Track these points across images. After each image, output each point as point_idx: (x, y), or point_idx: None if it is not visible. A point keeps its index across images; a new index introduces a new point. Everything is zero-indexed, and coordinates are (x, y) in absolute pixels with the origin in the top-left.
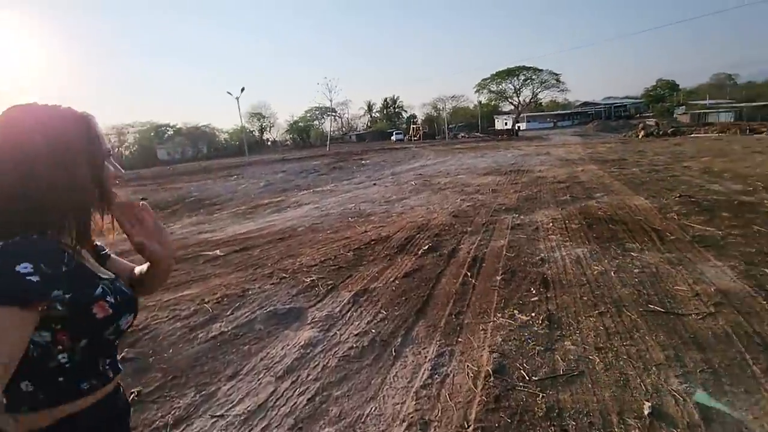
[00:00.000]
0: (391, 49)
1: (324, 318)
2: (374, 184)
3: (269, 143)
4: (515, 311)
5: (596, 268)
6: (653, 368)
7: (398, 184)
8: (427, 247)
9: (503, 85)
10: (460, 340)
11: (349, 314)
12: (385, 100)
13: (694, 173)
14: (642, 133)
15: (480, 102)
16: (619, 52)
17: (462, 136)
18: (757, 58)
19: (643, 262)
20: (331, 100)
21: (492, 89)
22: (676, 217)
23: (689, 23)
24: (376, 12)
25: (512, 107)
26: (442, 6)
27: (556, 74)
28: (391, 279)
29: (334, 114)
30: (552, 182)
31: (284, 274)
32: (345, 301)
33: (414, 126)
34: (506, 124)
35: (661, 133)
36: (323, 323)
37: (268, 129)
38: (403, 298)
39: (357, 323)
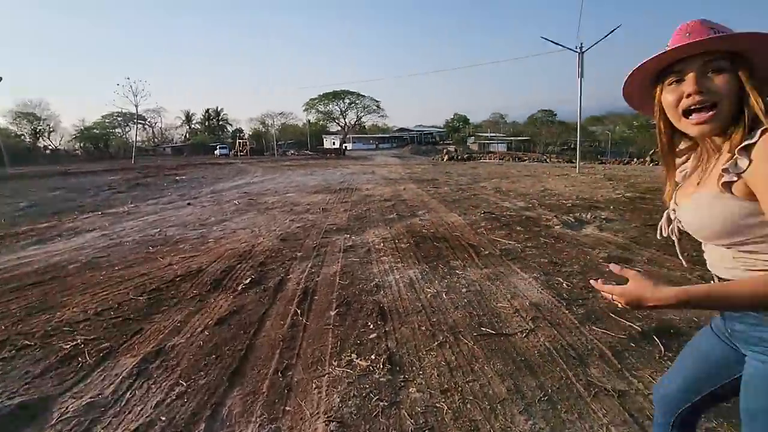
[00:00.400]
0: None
1: (83, 411)
2: (188, 203)
3: (48, 151)
4: (353, 355)
5: (429, 290)
6: (498, 407)
7: (219, 204)
8: (249, 280)
9: (330, 106)
10: (288, 409)
11: (128, 396)
12: (207, 111)
13: (490, 192)
14: (446, 157)
15: (309, 121)
16: (428, 88)
17: (291, 153)
18: (517, 104)
19: (468, 279)
20: (136, 106)
21: (320, 109)
22: (484, 232)
23: (473, 72)
24: (204, 15)
25: (339, 128)
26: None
27: (377, 101)
28: (199, 329)
29: (142, 122)
30: (379, 200)
31: (28, 341)
32: (125, 374)
33: (241, 141)
34: (334, 143)
35: (459, 157)
36: (79, 420)
37: (45, 134)
38: (214, 356)
39: (139, 409)
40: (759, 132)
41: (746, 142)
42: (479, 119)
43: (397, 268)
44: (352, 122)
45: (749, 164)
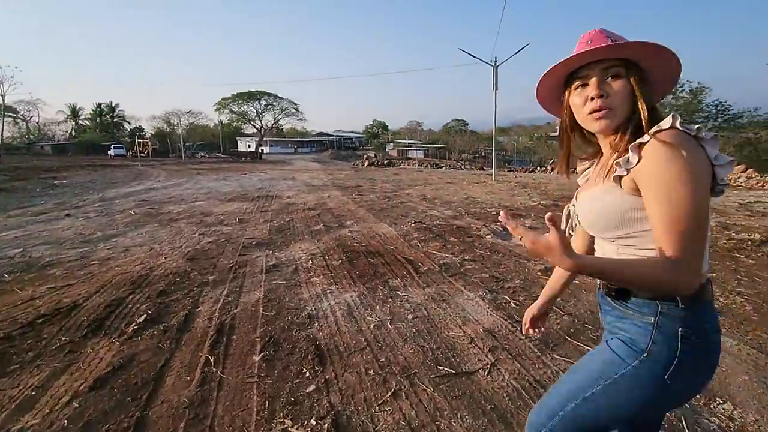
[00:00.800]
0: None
1: None
2: (68, 214)
3: None
4: (288, 421)
5: (371, 319)
6: None
7: (109, 215)
8: (144, 317)
9: (245, 107)
10: None
11: None
12: (99, 106)
13: (416, 200)
14: (366, 162)
15: (221, 122)
16: (347, 93)
17: (202, 156)
18: (433, 112)
19: (412, 303)
20: (3, 95)
21: (234, 110)
22: (419, 244)
23: (392, 79)
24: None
25: (255, 130)
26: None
27: (296, 104)
28: (65, 400)
29: (12, 115)
30: (303, 209)
31: None
32: None
33: (141, 141)
34: (250, 146)
35: (379, 163)
36: None
37: None
38: None
39: None
40: (651, 132)
41: (639, 141)
42: (397, 126)
43: (331, 291)
44: (270, 125)
45: (638, 161)
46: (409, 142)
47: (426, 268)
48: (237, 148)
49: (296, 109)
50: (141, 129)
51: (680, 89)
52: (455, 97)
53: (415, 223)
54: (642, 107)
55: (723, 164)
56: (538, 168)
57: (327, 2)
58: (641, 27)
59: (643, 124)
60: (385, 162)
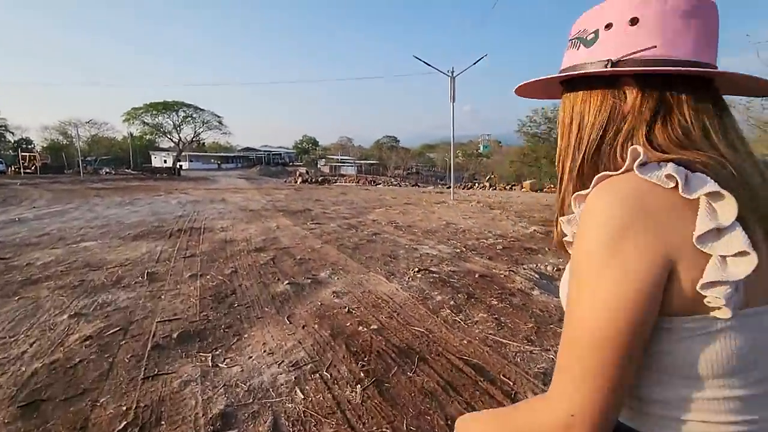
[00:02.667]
0: None
1: None
2: None
3: None
4: None
5: None
6: None
7: None
8: None
9: (160, 118)
10: None
11: None
12: None
13: (390, 229)
14: (300, 179)
15: (131, 134)
16: (275, 107)
17: (106, 173)
18: (363, 129)
19: None
20: None
21: (146, 121)
22: (454, 317)
23: (320, 95)
24: None
25: (173, 144)
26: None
27: (219, 116)
28: None
29: None
30: (248, 250)
31: None
32: None
33: (27, 155)
34: (166, 161)
35: (313, 180)
36: None
37: None
38: None
39: None
40: (597, 178)
41: (582, 192)
42: (328, 142)
43: None
44: (189, 138)
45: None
46: (342, 158)
47: (518, 385)
48: (150, 163)
49: (220, 122)
50: (28, 141)
51: None
52: (386, 113)
53: (419, 271)
54: (560, 139)
55: (733, 254)
56: (476, 184)
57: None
58: None
59: (559, 163)
60: (320, 179)
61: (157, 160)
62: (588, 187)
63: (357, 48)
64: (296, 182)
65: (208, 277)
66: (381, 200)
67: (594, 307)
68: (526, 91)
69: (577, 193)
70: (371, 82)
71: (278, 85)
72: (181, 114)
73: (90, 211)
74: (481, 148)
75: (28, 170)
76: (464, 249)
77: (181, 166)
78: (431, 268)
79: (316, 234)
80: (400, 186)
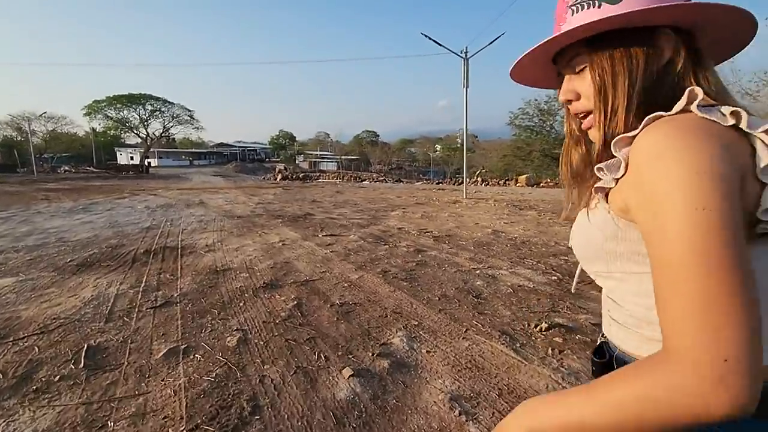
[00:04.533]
0: None
1: None
2: None
3: None
4: None
5: None
6: None
7: None
8: None
9: (125, 112)
10: None
11: None
12: None
13: (431, 243)
14: (279, 176)
15: (94, 129)
16: (248, 101)
17: (65, 171)
18: (340, 124)
19: None
20: None
21: (110, 115)
22: None
23: (297, 90)
24: None
25: (140, 140)
26: None
27: (190, 110)
28: None
29: None
30: (254, 289)
31: None
32: None
33: None
34: (133, 158)
35: (294, 177)
36: None
37: None
38: None
39: None
40: (648, 119)
41: (627, 134)
42: (305, 137)
43: None
44: (158, 134)
45: (626, 167)
46: (321, 153)
47: None
48: (116, 161)
49: (191, 116)
50: None
51: None
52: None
53: (548, 328)
54: (605, 101)
55: None
56: (468, 179)
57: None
58: None
59: (609, 123)
60: (301, 175)
61: (123, 157)
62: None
63: (334, 35)
64: (276, 179)
65: (198, 357)
66: (386, 200)
67: (698, 227)
68: (525, 73)
69: (619, 136)
70: (347, 75)
71: (251, 78)
72: (149, 107)
73: (26, 223)
74: (459, 142)
75: None
76: (560, 274)
77: (149, 163)
78: (558, 320)
79: (340, 253)
80: (387, 182)
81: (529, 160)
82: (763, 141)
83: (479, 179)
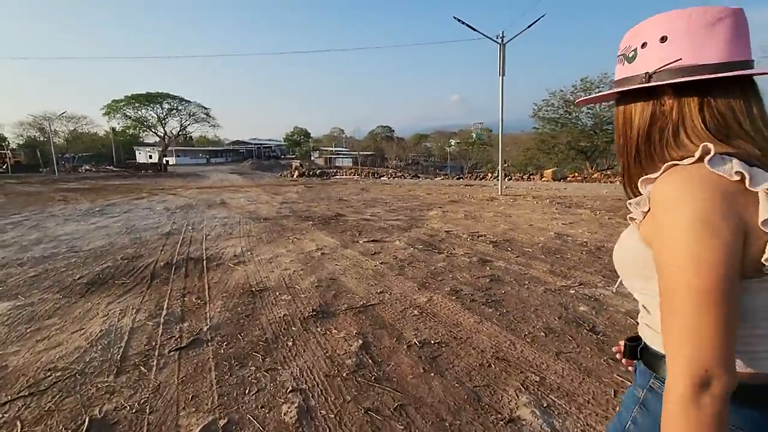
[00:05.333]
0: None
1: None
2: None
3: None
4: None
5: None
6: None
7: None
8: None
9: (143, 111)
10: None
11: None
12: None
13: (491, 250)
14: (296, 173)
15: (114, 129)
16: (263, 98)
17: (86, 170)
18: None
19: None
20: None
21: (129, 114)
22: None
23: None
24: None
25: (158, 138)
26: None
27: (206, 108)
28: None
29: None
30: (302, 318)
31: None
32: None
33: None
34: (151, 157)
35: (310, 173)
36: None
37: None
38: None
39: None
40: (665, 166)
41: (650, 176)
42: (319, 134)
43: None
44: (175, 132)
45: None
46: (337, 149)
47: None
48: (134, 159)
49: (207, 114)
50: (1, 138)
51: None
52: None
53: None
54: (618, 143)
55: None
56: (489, 174)
57: None
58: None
59: (623, 161)
60: (318, 172)
61: (141, 156)
62: (648, 173)
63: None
64: (293, 176)
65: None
66: (416, 198)
67: (697, 267)
68: (585, 101)
69: (644, 177)
70: (362, 70)
71: (266, 74)
72: (166, 106)
73: (36, 228)
74: (474, 136)
75: None
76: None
77: (167, 161)
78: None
79: (391, 265)
80: (405, 177)
81: (553, 154)
82: (766, 196)
83: (492, 173)
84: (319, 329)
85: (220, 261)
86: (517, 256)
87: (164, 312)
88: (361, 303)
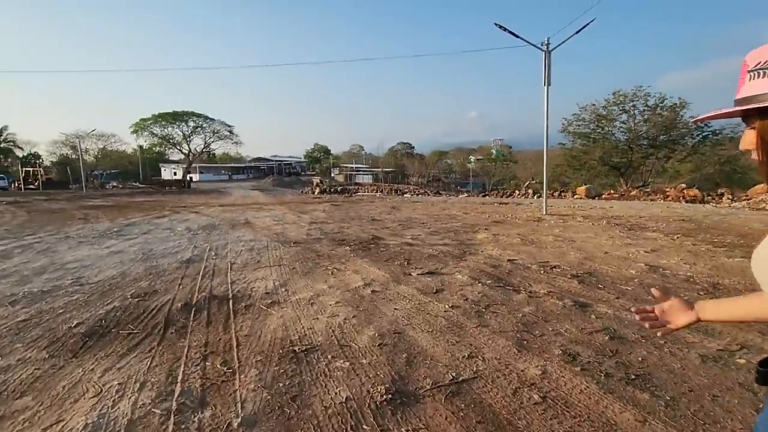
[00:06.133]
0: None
1: None
2: None
3: None
4: None
5: None
6: None
7: None
8: None
9: (169, 129)
10: None
11: None
12: None
13: (575, 287)
14: (317, 189)
15: (141, 146)
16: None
17: (113, 186)
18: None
19: None
20: None
21: (155, 132)
22: None
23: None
24: None
25: (183, 155)
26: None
27: (230, 125)
28: None
29: None
30: (373, 407)
31: None
32: None
33: (30, 169)
34: (176, 173)
35: (331, 190)
36: None
37: None
38: None
39: None
40: None
41: None
42: (338, 150)
43: None
44: (199, 149)
45: None
46: (357, 166)
47: None
48: (160, 176)
49: (230, 132)
50: (36, 156)
51: (660, 105)
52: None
53: None
54: (760, 158)
55: None
56: (516, 192)
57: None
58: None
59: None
60: (339, 189)
61: (166, 173)
62: None
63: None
64: (314, 192)
65: None
66: (454, 218)
67: None
68: (709, 117)
69: None
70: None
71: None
72: (191, 124)
73: (45, 253)
74: (494, 153)
75: (30, 186)
76: None
77: (191, 178)
78: None
79: (467, 312)
80: (428, 195)
81: (584, 170)
82: None
83: (530, 191)
84: (403, 431)
85: (250, 301)
86: (617, 297)
87: (178, 389)
88: (450, 377)
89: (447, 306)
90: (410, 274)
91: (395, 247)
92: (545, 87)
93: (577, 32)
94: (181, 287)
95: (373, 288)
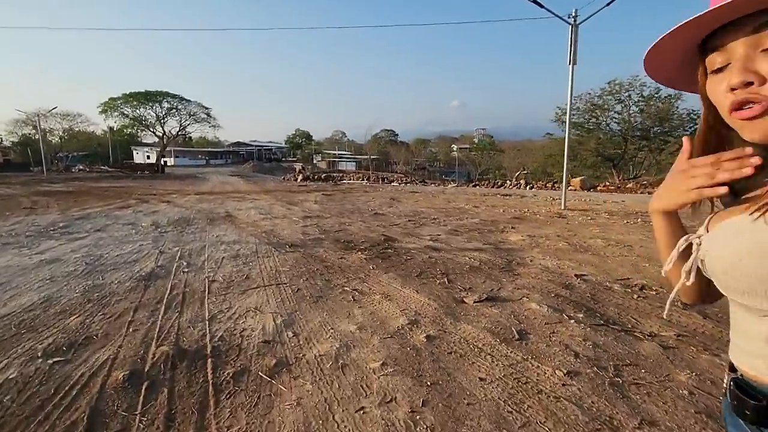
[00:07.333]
0: None
1: None
2: None
3: None
4: None
5: None
6: None
7: None
8: None
9: (141, 110)
10: None
11: None
12: None
13: (699, 324)
14: (300, 176)
15: (111, 128)
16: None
17: (79, 170)
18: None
19: None
20: None
21: (126, 113)
22: None
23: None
24: None
25: (157, 138)
26: None
27: (207, 108)
28: None
29: None
30: None
31: None
32: None
33: None
34: (149, 157)
35: (314, 177)
36: None
37: None
38: None
39: None
40: None
41: None
42: (320, 137)
43: None
44: (174, 132)
45: None
46: (340, 153)
47: None
48: (131, 159)
49: (207, 114)
50: None
51: (655, 95)
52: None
53: None
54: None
55: None
56: (507, 182)
57: None
58: None
59: None
60: (323, 176)
61: (139, 156)
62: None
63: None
64: (297, 179)
65: None
66: (465, 212)
67: None
68: (661, 64)
69: None
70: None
71: (266, 76)
72: (165, 105)
73: None
74: (477, 142)
75: None
76: None
77: (165, 162)
78: None
79: (593, 381)
80: (416, 183)
81: (577, 161)
82: None
83: (522, 182)
84: None
85: (240, 361)
86: None
87: None
88: None
89: (556, 372)
90: (464, 302)
91: (418, 253)
92: (570, 66)
93: (608, 4)
94: (130, 330)
95: (425, 330)
